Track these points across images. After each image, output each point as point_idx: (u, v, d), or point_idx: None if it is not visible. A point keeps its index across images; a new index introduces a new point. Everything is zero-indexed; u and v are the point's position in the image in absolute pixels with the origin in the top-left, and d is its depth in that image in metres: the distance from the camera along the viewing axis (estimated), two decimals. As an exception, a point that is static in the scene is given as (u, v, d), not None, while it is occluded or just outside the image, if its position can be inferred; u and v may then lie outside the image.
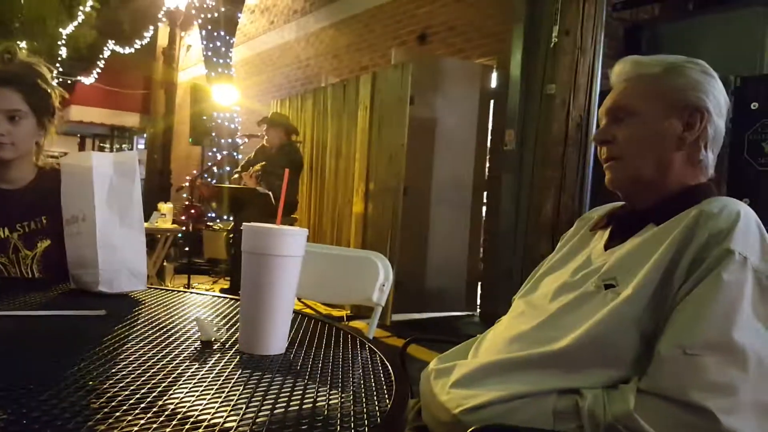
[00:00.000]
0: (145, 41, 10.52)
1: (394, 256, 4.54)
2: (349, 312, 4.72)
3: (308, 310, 4.51)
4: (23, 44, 8.80)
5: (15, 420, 0.57)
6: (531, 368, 0.94)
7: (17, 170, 1.55)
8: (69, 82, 11.19)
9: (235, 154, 7.48)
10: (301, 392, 0.72)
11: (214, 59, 7.70)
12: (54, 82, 1.60)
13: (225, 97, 7.35)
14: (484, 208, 5.13)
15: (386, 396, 0.74)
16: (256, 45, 8.36)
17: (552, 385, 0.91)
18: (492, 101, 5.05)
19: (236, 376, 0.76)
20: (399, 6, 6.07)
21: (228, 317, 1.14)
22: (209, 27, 7.68)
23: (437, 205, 4.90)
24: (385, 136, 4.96)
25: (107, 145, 14.08)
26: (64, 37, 9.83)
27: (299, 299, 4.16)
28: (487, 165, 5.08)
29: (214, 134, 7.61)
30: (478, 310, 5.02)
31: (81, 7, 9.44)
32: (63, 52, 10.05)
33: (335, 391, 0.74)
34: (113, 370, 0.75)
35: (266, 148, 5.12)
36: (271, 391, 0.72)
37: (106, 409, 0.61)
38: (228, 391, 0.70)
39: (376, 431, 0.63)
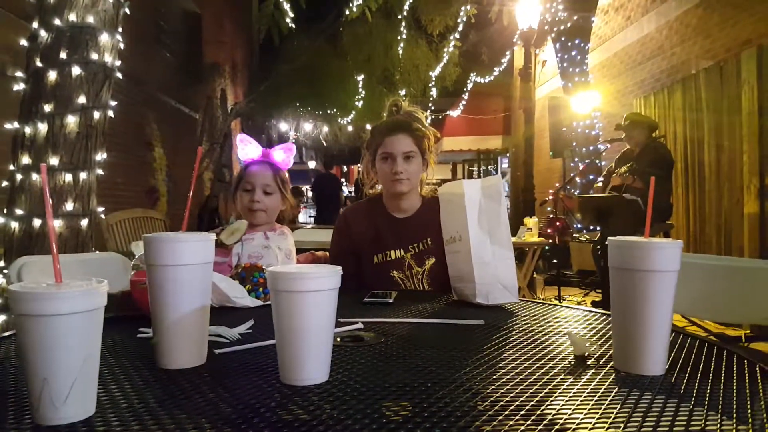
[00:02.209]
0: (502, 66, 11.20)
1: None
2: (748, 332, 4.01)
3: (694, 329, 4.01)
4: (403, 92, 10.40)
5: (418, 412, 0.67)
6: None
7: (408, 201, 1.84)
8: (440, 117, 12.71)
9: (597, 161, 7.28)
10: (686, 417, 0.66)
11: (570, 69, 7.69)
12: (428, 122, 1.87)
13: (583, 105, 7.25)
14: None
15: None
16: (613, 45, 8.00)
17: None
18: None
19: (613, 393, 0.74)
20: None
21: (600, 332, 1.11)
22: (563, 38, 7.73)
23: None
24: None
25: (475, 168, 15.42)
26: (434, 78, 11.23)
27: (684, 316, 3.74)
28: None
29: (574, 144, 7.56)
30: None
31: (445, 49, 10.64)
32: (434, 92, 11.48)
33: (728, 422, 0.65)
34: (494, 376, 0.81)
35: (629, 151, 4.85)
36: (651, 412, 0.67)
37: (490, 412, 0.67)
38: (605, 408, 0.69)
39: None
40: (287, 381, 0.78)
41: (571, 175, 7.41)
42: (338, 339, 1.02)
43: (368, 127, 2.13)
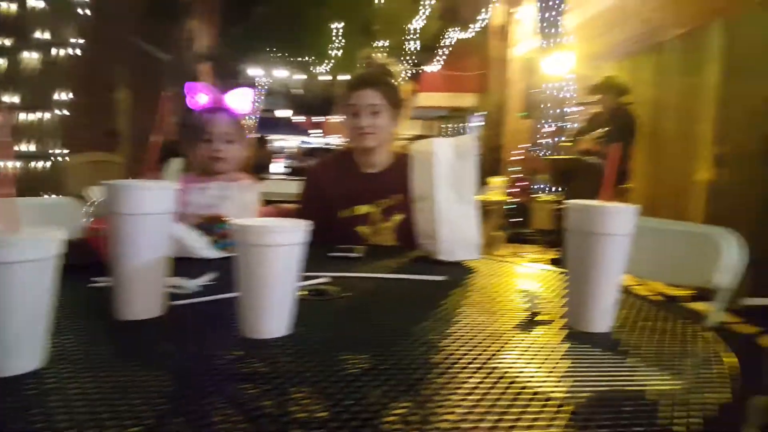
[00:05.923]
0: (480, 24, 11.03)
1: (752, 232, 3.82)
2: (693, 293, 4.17)
3: (640, 289, 4.16)
4: (381, 43, 10.19)
5: (375, 365, 0.69)
6: None
7: (377, 156, 1.83)
8: (418, 72, 12.53)
9: (565, 124, 7.33)
10: (628, 372, 0.70)
11: (547, 29, 7.64)
12: (404, 76, 1.85)
13: (557, 66, 7.24)
14: None
15: (726, 388, 0.67)
16: (591, 8, 7.96)
17: None
18: None
19: (563, 350, 0.78)
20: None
21: (555, 290, 1.15)
22: (542, -2, 7.63)
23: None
24: (743, 90, 4.21)
25: (447, 126, 15.35)
26: (414, 32, 11.01)
27: (635, 277, 3.87)
28: None
29: (542, 105, 7.59)
30: None
31: (426, 2, 10.40)
32: (414, 45, 11.28)
33: (666, 376, 0.70)
34: (449, 330, 0.84)
35: (600, 114, 4.90)
36: (596, 368, 0.71)
37: (443, 365, 0.70)
38: (555, 364, 0.72)
39: (712, 425, 0.58)
40: (248, 334, 0.78)
41: (538, 136, 7.47)
42: (303, 292, 1.02)
43: (345, 77, 2.08)
